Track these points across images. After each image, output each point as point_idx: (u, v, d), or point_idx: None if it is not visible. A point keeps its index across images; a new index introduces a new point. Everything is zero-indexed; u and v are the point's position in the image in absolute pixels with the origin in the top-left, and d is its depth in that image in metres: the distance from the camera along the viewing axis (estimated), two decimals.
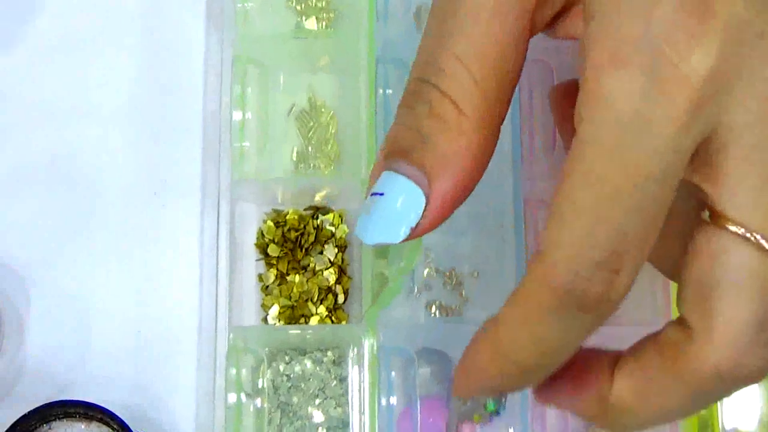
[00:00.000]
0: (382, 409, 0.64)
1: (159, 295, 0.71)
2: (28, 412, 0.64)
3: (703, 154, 0.39)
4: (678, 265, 0.42)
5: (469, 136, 0.41)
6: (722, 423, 0.65)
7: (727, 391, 0.41)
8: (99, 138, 0.73)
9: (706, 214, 0.40)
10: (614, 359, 0.43)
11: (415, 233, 0.42)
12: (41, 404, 0.64)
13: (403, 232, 0.41)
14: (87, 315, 0.70)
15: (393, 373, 0.66)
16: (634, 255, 0.38)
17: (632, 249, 0.38)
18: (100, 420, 0.65)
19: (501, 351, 0.41)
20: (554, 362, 0.42)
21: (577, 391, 0.43)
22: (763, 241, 0.39)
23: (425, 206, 0.41)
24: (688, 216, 0.42)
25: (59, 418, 0.65)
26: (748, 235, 0.39)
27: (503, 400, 0.45)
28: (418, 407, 0.65)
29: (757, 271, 0.39)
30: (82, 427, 0.65)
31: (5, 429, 0.64)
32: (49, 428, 0.65)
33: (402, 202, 0.41)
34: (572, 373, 0.43)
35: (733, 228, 0.39)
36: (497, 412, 0.46)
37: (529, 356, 0.41)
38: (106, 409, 0.64)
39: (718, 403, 0.65)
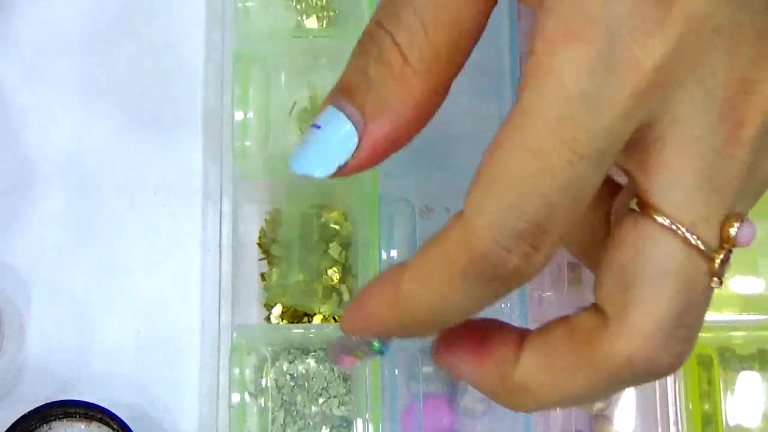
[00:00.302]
0: (386, 408, 0.64)
1: (159, 294, 0.71)
2: (28, 412, 0.64)
3: (640, 141, 0.39)
4: (591, 251, 0.42)
5: (412, 86, 0.41)
6: (726, 418, 0.65)
7: (635, 383, 0.41)
8: (99, 137, 0.73)
9: (634, 202, 0.39)
10: (522, 336, 0.42)
11: (343, 171, 0.42)
12: (41, 404, 0.64)
13: (332, 167, 0.41)
14: (87, 315, 0.70)
15: (396, 371, 0.66)
16: (556, 232, 0.38)
17: (555, 226, 0.38)
18: (100, 420, 0.65)
19: (400, 300, 0.41)
20: (450, 323, 0.41)
21: (479, 362, 0.43)
22: (689, 236, 0.38)
23: (357, 147, 0.41)
24: (608, 203, 0.42)
25: (59, 418, 0.65)
26: (675, 227, 0.38)
27: (389, 342, 0.44)
28: (421, 405, 0.65)
29: (680, 265, 0.39)
30: (82, 427, 0.65)
31: (5, 429, 0.64)
32: (49, 428, 0.65)
33: (335, 139, 0.41)
34: (476, 342, 0.43)
35: (661, 219, 0.39)
36: (381, 353, 0.45)
37: (427, 313, 0.40)
38: (106, 409, 0.64)
39: (722, 398, 0.65)
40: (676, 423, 0.65)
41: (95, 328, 0.70)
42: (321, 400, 0.67)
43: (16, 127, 0.73)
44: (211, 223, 0.71)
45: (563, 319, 0.42)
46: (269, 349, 0.68)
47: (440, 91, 0.42)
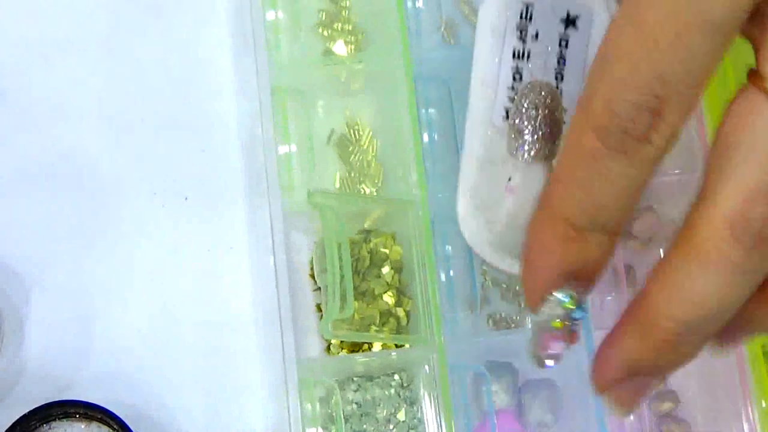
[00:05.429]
0: (458, 428, 0.64)
1: (159, 294, 0.71)
2: (28, 412, 0.64)
3: (761, 10, 0.38)
4: None
5: None
6: None
7: (741, 249, 0.39)
8: (98, 137, 0.73)
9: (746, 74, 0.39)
10: None
11: None
12: (41, 404, 0.64)
13: None
14: (87, 315, 0.70)
15: (464, 390, 0.66)
16: (678, 102, 0.38)
17: (675, 96, 0.37)
18: (100, 420, 0.65)
19: (554, 212, 0.41)
20: (609, 218, 0.40)
21: None
22: None
23: None
24: None
25: (59, 418, 0.65)
26: None
27: (578, 296, 0.42)
28: (494, 421, 0.64)
29: None
30: (82, 427, 0.65)
31: (5, 429, 0.63)
32: (49, 428, 0.65)
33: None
34: None
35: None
36: (579, 310, 0.43)
37: (580, 210, 0.40)
38: (106, 409, 0.65)
39: None
40: (748, 420, 0.65)
41: (95, 328, 0.70)
42: (391, 427, 0.67)
43: (18, 126, 0.72)
44: (263, 255, 0.71)
45: None
46: (333, 379, 0.67)
47: None
